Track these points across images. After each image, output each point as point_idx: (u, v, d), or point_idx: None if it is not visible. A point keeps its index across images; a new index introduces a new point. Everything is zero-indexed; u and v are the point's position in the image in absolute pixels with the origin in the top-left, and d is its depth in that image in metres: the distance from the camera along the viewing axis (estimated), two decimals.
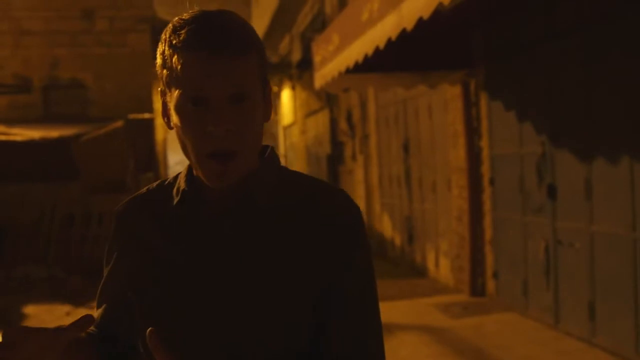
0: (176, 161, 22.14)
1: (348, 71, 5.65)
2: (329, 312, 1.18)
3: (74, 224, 11.09)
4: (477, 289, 7.29)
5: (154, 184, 1.33)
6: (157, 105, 15.44)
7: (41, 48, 14.11)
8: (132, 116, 13.30)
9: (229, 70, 1.10)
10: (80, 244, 10.87)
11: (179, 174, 1.29)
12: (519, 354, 5.41)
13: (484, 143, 7.04)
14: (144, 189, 1.33)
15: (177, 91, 1.12)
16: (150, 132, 14.51)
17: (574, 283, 5.51)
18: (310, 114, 15.86)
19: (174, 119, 1.15)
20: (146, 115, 14.16)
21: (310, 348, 1.19)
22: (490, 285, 7.11)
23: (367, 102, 10.96)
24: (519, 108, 6.30)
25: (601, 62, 4.99)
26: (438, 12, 3.81)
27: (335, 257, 1.18)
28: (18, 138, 11.61)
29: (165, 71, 1.14)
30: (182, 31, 1.10)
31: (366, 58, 4.93)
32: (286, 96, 19.00)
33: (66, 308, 8.29)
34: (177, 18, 1.13)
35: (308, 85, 13.42)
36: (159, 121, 15.79)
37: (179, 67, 1.10)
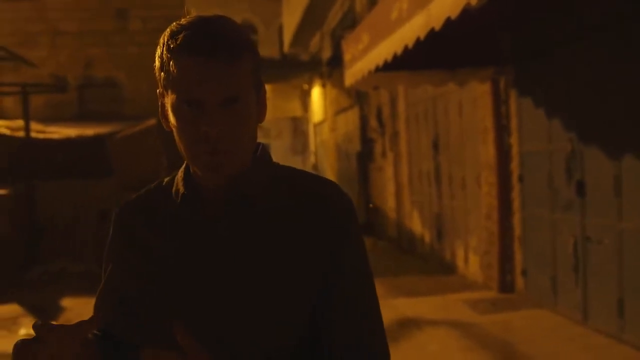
0: None
1: (377, 69, 5.73)
2: (327, 310, 1.20)
3: (108, 219, 11.32)
4: (505, 285, 7.32)
5: (152, 185, 1.35)
6: None
7: (76, 48, 14.40)
8: None
9: (223, 74, 1.14)
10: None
11: (175, 174, 1.32)
12: (546, 349, 5.45)
13: (514, 140, 7.06)
14: (143, 191, 1.35)
15: (174, 93, 1.16)
16: None
17: (602, 280, 5.53)
18: (340, 111, 15.94)
19: (171, 119, 1.19)
20: None
21: (311, 347, 1.20)
22: (519, 282, 7.13)
23: (397, 99, 11.01)
24: (547, 105, 6.32)
25: (628, 61, 5.00)
26: (466, 12, 3.87)
27: (328, 252, 1.20)
28: (55, 136, 11.90)
29: (162, 74, 1.18)
30: (179, 36, 1.14)
31: (396, 56, 5.00)
32: (316, 94, 19.10)
33: None
34: (175, 23, 1.18)
35: (338, 82, 13.51)
36: None
37: (175, 70, 1.14)
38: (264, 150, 1.31)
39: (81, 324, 1.11)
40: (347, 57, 7.07)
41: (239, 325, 1.18)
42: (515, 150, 7.05)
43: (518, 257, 7.15)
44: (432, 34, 4.31)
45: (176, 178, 1.30)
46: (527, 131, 6.78)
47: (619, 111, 5.18)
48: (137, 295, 1.26)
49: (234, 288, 1.19)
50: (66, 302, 8.53)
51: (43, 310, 7.97)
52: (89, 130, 12.00)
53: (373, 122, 12.63)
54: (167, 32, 1.17)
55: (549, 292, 6.43)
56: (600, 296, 5.59)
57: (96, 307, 1.31)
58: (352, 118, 14.70)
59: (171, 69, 1.15)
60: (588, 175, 5.68)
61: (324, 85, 17.70)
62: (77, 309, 8.09)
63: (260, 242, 1.21)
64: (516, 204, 7.11)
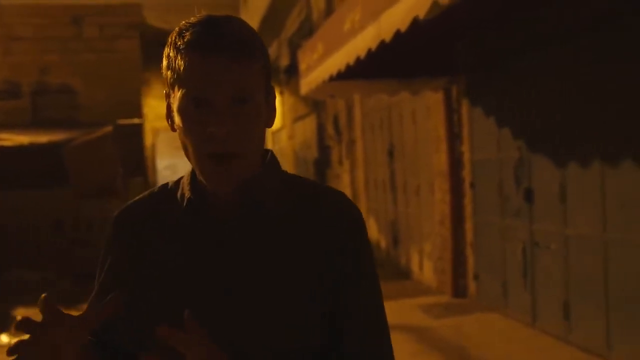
0: (165, 165, 22.23)
1: (332, 79, 5.84)
2: (337, 315, 1.19)
3: (64, 228, 11.21)
4: (459, 290, 7.48)
5: (156, 189, 1.32)
6: (146, 110, 15.58)
7: (31, 54, 14.22)
8: (121, 121, 13.43)
9: (231, 72, 1.10)
10: (70, 248, 11.00)
11: (180, 178, 1.29)
12: (497, 352, 5.60)
13: (465, 148, 7.24)
14: (146, 193, 1.32)
15: (180, 92, 1.13)
16: (139, 137, 14.64)
17: (550, 283, 5.71)
18: (298, 119, 16.04)
19: (177, 120, 1.15)
20: (135, 121, 14.29)
21: (320, 351, 1.20)
22: (472, 286, 7.30)
23: (353, 107, 11.16)
24: (497, 114, 6.50)
25: (574, 73, 5.20)
26: (418, 24, 3.99)
27: (339, 259, 1.19)
28: (7, 143, 11.71)
29: (169, 72, 1.15)
30: (187, 33, 1.12)
31: (349, 66, 5.11)
32: None
33: None
34: (183, 22, 1.15)
35: (296, 90, 13.61)
36: (148, 126, 15.92)
37: (182, 67, 1.11)
38: (274, 157, 1.28)
39: (85, 317, 1.09)
40: (302, 66, 7.17)
41: (248, 330, 1.16)
42: (467, 158, 7.23)
43: (470, 262, 7.32)
44: (386, 44, 4.43)
45: (181, 182, 1.27)
46: (478, 139, 6.97)
47: (564, 121, 5.37)
48: (135, 300, 1.22)
49: (245, 294, 1.17)
50: (19, 311, 8.42)
51: None
52: (43, 138, 11.85)
53: (330, 130, 12.75)
54: (175, 30, 1.14)
55: (500, 296, 6.61)
56: (547, 299, 5.77)
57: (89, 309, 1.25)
58: (309, 126, 14.81)
59: (178, 65, 1.12)
60: (535, 183, 5.87)
61: (281, 93, 17.77)
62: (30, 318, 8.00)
63: (269, 247, 1.19)
64: (468, 211, 7.28)
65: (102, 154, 11.87)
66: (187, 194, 1.22)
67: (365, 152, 10.91)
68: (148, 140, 16.25)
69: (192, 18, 1.15)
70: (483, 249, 7.03)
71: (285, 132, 18.12)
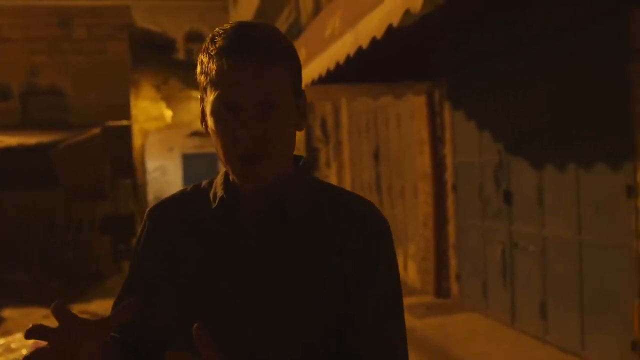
0: (154, 167, 22.23)
1: (314, 83, 5.93)
2: (356, 318, 1.21)
3: (54, 230, 11.26)
4: (441, 290, 7.59)
5: (189, 187, 1.36)
6: (135, 111, 15.63)
7: (20, 55, 14.26)
8: (110, 123, 13.48)
9: (260, 77, 1.15)
10: (61, 250, 11.05)
11: (213, 179, 1.33)
12: (476, 350, 5.71)
13: (448, 151, 7.35)
14: (178, 192, 1.36)
15: (212, 95, 1.18)
16: (128, 139, 14.68)
17: (528, 284, 5.82)
18: None
19: (209, 123, 1.20)
20: (124, 122, 14.34)
21: (336, 357, 1.21)
22: (454, 287, 7.41)
23: (340, 110, 11.26)
24: (478, 118, 6.62)
25: (551, 78, 5.32)
26: (398, 29, 4.09)
27: (360, 267, 1.21)
28: None
29: (202, 77, 1.20)
30: (219, 39, 1.17)
31: (329, 71, 5.21)
32: None
33: (44, 312, 8.47)
34: (217, 28, 1.20)
35: None
36: (138, 128, 15.96)
37: (214, 71, 1.16)
38: (307, 163, 1.32)
39: (102, 322, 1.08)
40: None
41: (266, 333, 1.19)
42: (449, 161, 7.34)
43: (453, 263, 7.43)
44: (363, 51, 4.53)
45: (215, 182, 1.31)
46: (460, 142, 7.08)
47: (541, 125, 5.48)
48: (160, 296, 1.26)
49: (265, 296, 1.20)
50: (7, 312, 8.48)
51: None
52: (32, 139, 11.89)
53: (318, 132, 12.85)
54: (209, 36, 1.20)
55: (481, 296, 6.72)
56: (525, 300, 5.89)
57: (115, 306, 1.24)
58: None
59: (210, 70, 1.17)
60: (514, 185, 5.99)
61: None
62: (18, 320, 8.05)
63: (294, 251, 1.21)
64: (450, 213, 7.39)
65: (91, 155, 11.92)
66: (220, 193, 1.26)
67: (352, 154, 11.02)
68: (137, 141, 16.29)
69: (225, 25, 1.20)
70: (465, 250, 7.14)
71: None
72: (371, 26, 3.87)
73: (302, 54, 6.30)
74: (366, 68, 6.10)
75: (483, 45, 6.31)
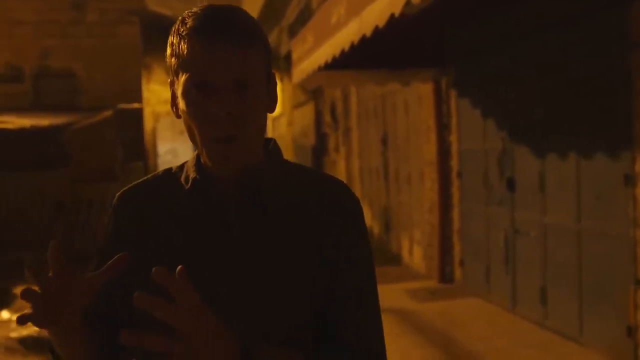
0: (166, 150, 22.38)
1: (320, 69, 6.02)
2: (332, 301, 1.22)
3: (63, 210, 11.44)
4: (445, 275, 7.70)
5: (160, 172, 1.34)
6: (147, 94, 15.77)
7: (32, 38, 14.40)
8: (121, 106, 13.61)
9: (232, 56, 1.14)
10: (70, 230, 11.23)
11: (184, 163, 1.32)
12: (476, 334, 5.82)
13: (453, 138, 7.43)
14: (150, 176, 1.34)
15: (183, 76, 1.17)
16: (139, 122, 14.82)
17: (529, 270, 5.92)
18: (297, 106, 16.21)
19: (181, 104, 1.19)
20: (135, 105, 14.47)
21: (314, 337, 1.22)
22: (458, 272, 7.51)
23: (350, 96, 11.33)
24: (483, 105, 6.69)
25: (553, 69, 5.38)
26: (399, 18, 4.16)
27: (338, 246, 1.23)
28: (9, 126, 11.93)
29: (173, 59, 1.19)
30: (190, 20, 1.16)
31: (335, 58, 5.29)
32: None
33: None
34: (186, 11, 1.19)
35: None
36: (149, 110, 16.11)
37: (185, 52, 1.16)
38: (276, 145, 1.31)
39: (94, 275, 1.10)
40: (295, 56, 7.36)
41: (249, 317, 1.18)
42: (455, 148, 7.41)
43: (457, 249, 7.53)
44: (376, 35, 4.58)
45: (186, 165, 1.30)
46: (466, 130, 7.15)
47: (544, 113, 5.55)
48: (135, 280, 1.17)
49: (245, 280, 1.20)
50: (18, 290, 8.64)
51: None
52: (44, 121, 12.06)
53: (327, 118, 12.92)
54: (179, 19, 1.19)
55: (484, 281, 6.82)
56: (526, 285, 5.98)
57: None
58: (308, 113, 14.98)
59: (181, 51, 1.16)
60: (517, 173, 6.07)
61: (281, 80, 17.91)
62: None
63: (270, 234, 1.22)
64: (455, 199, 7.48)
65: (102, 138, 12.07)
66: (192, 174, 1.25)
67: (360, 140, 11.10)
68: (149, 124, 16.44)
69: (194, 8, 1.20)
70: (469, 236, 7.23)
71: (284, 118, 18.30)
72: (374, 15, 3.95)
73: (308, 41, 6.39)
74: (374, 55, 6.18)
75: (490, 33, 6.37)
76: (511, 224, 6.21)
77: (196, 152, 1.26)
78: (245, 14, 1.21)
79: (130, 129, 13.91)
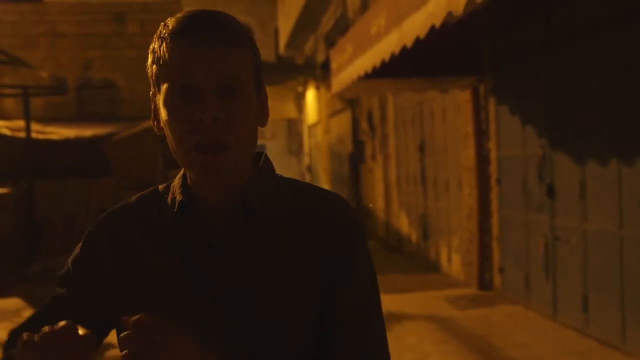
0: None
1: (360, 78, 6.10)
2: (333, 319, 1.16)
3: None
4: (484, 283, 7.70)
5: (146, 192, 1.27)
6: None
7: (74, 50, 14.78)
8: None
9: (217, 58, 1.08)
10: None
11: (170, 183, 1.25)
12: (516, 341, 5.82)
13: (492, 145, 7.44)
14: (134, 198, 1.27)
15: (165, 84, 1.10)
16: None
17: (570, 277, 5.90)
18: (333, 114, 16.31)
19: (163, 115, 1.11)
20: None
21: (315, 355, 1.16)
22: (497, 279, 7.51)
23: (386, 104, 11.39)
24: (522, 112, 6.69)
25: (593, 74, 5.38)
26: (435, 31, 4.22)
27: (336, 262, 1.16)
28: (54, 137, 12.26)
29: (154, 67, 1.12)
30: (171, 23, 1.10)
31: (375, 68, 5.37)
32: (311, 96, 19.46)
33: None
34: (169, 18, 1.13)
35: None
36: None
37: (167, 55, 1.08)
38: (267, 160, 1.24)
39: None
40: (334, 65, 7.45)
41: (235, 336, 1.13)
42: (493, 155, 7.42)
43: (496, 255, 7.53)
44: (415, 45, 4.65)
45: (172, 186, 1.23)
46: (504, 137, 7.16)
47: (584, 120, 5.55)
48: (120, 303, 1.16)
49: (231, 298, 1.14)
50: None
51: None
52: (87, 132, 12.37)
53: (364, 125, 12.99)
54: (161, 24, 1.14)
55: (523, 289, 6.81)
56: (567, 293, 5.96)
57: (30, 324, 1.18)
58: (344, 121, 15.07)
59: (163, 55, 1.10)
60: (557, 179, 6.06)
61: (318, 88, 18.05)
62: None
63: (260, 253, 1.15)
64: (494, 206, 7.48)
65: (143, 147, 12.31)
66: (179, 197, 1.17)
67: (398, 147, 11.14)
68: None
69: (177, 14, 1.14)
70: (508, 243, 7.23)
71: (321, 126, 18.41)
72: (415, 26, 4.03)
73: (348, 51, 6.48)
74: (412, 63, 6.24)
75: (527, 41, 6.39)
76: (551, 231, 6.20)
77: (182, 170, 1.20)
78: (231, 17, 1.14)
79: (167, 139, 14.18)
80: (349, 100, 13.90)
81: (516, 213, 6.95)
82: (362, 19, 6.05)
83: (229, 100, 1.09)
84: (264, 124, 1.19)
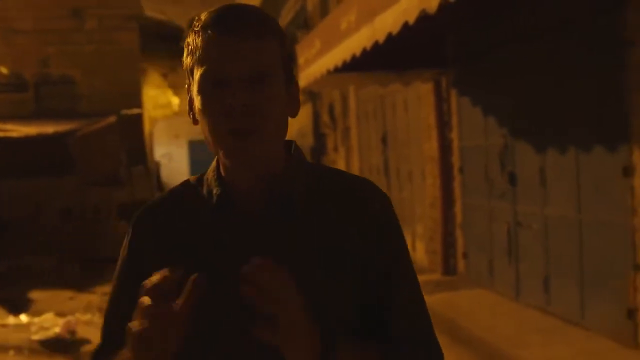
0: (161, 154, 22.61)
1: (329, 72, 6.28)
2: (382, 301, 1.20)
3: (70, 216, 11.67)
4: (449, 268, 7.98)
5: (177, 186, 1.30)
6: (144, 99, 15.98)
7: (32, 46, 14.59)
8: (123, 111, 13.83)
9: (247, 49, 1.12)
10: (78, 235, 11.46)
11: (202, 175, 1.27)
12: (483, 323, 6.10)
13: (454, 135, 7.71)
14: (166, 193, 1.30)
15: (199, 72, 1.14)
16: (139, 127, 15.05)
17: (531, 260, 6.21)
18: None
19: (196, 103, 1.16)
20: (136, 111, 14.69)
21: (367, 337, 1.19)
22: (461, 264, 7.80)
23: (348, 96, 11.60)
24: (484, 103, 6.98)
25: (552, 67, 5.67)
26: (408, 27, 4.42)
27: (377, 246, 1.20)
28: (14, 134, 12.12)
29: (188, 58, 1.17)
30: (204, 16, 1.15)
31: (345, 62, 5.56)
32: None
33: (69, 293, 8.89)
34: (202, 12, 1.18)
35: None
36: (147, 115, 16.31)
37: (199, 46, 1.13)
38: (298, 149, 1.27)
39: (183, 300, 1.03)
40: (301, 60, 7.62)
41: None
42: (455, 145, 7.70)
43: (460, 242, 7.81)
44: (385, 41, 4.83)
45: (205, 178, 1.25)
46: (466, 127, 7.44)
47: (543, 110, 5.84)
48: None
49: None
50: (35, 294, 8.87)
51: (11, 302, 8.31)
52: (49, 128, 12.26)
53: (325, 118, 13.20)
54: (195, 19, 1.18)
55: (487, 273, 7.11)
56: (529, 275, 6.27)
57: (108, 323, 1.24)
58: (305, 114, 15.23)
59: (197, 46, 1.14)
60: (518, 167, 6.35)
61: None
62: (46, 301, 8.44)
63: (302, 245, 1.18)
64: (457, 194, 7.76)
65: (106, 143, 12.30)
66: (215, 189, 1.21)
67: (360, 139, 11.37)
68: (146, 129, 16.66)
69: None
70: (471, 229, 7.52)
71: None
72: (388, 23, 4.22)
73: (316, 46, 6.66)
74: (378, 57, 6.44)
75: (489, 36, 6.66)
76: (513, 217, 6.50)
77: (214, 162, 1.24)
78: (261, 10, 1.19)
79: (132, 134, 14.15)
80: (310, 93, 14.07)
81: (479, 201, 7.23)
82: (330, 15, 6.23)
83: (258, 89, 1.13)
84: (294, 115, 1.23)
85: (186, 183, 1.29)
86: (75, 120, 12.97)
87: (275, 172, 1.20)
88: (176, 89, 17.50)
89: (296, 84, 1.24)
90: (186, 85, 1.21)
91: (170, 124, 22.65)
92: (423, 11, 3.70)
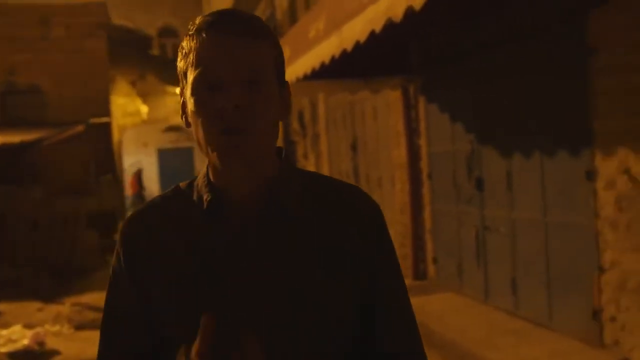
0: (130, 162, 22.46)
1: (299, 80, 6.33)
2: (368, 312, 1.21)
3: (38, 226, 11.53)
4: (419, 273, 8.06)
5: (169, 192, 1.30)
6: (113, 107, 15.87)
7: None
8: (92, 120, 13.72)
9: (239, 51, 1.13)
10: (46, 245, 11.32)
11: (192, 180, 1.27)
12: (453, 326, 6.17)
13: (422, 142, 7.81)
14: (157, 198, 1.30)
15: (192, 74, 1.15)
16: (108, 135, 14.95)
17: (499, 263, 6.31)
18: None
19: (189, 105, 1.17)
20: (104, 119, 14.58)
21: (355, 347, 1.21)
22: (431, 269, 7.89)
23: (317, 104, 11.67)
24: (451, 110, 7.08)
25: (517, 74, 5.78)
26: (375, 35, 4.49)
27: (377, 246, 1.23)
28: None
29: (183, 62, 1.18)
30: (198, 19, 1.18)
31: (314, 70, 5.61)
32: None
33: (37, 305, 8.78)
34: (197, 17, 1.20)
35: None
36: (115, 123, 16.21)
37: (194, 48, 1.15)
38: (288, 155, 1.29)
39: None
40: None
41: (276, 334, 1.15)
42: (424, 151, 7.80)
43: (429, 247, 7.90)
44: (347, 53, 4.90)
45: (195, 184, 1.26)
46: (434, 133, 7.54)
47: (509, 116, 5.95)
48: (155, 309, 1.20)
49: (267, 297, 1.16)
50: (2, 306, 8.75)
51: None
52: (15, 138, 12.12)
53: (295, 125, 13.25)
54: (189, 24, 1.20)
55: (456, 276, 7.20)
56: (498, 278, 6.37)
57: (108, 339, 1.26)
58: None
59: (190, 49, 1.16)
60: (485, 172, 6.46)
61: None
62: (14, 312, 8.34)
63: (295, 250, 1.19)
64: (426, 200, 7.85)
65: (75, 152, 12.20)
66: (206, 195, 1.21)
67: (329, 146, 11.44)
68: (115, 137, 16.55)
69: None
70: (440, 234, 7.61)
71: None
72: (355, 31, 4.29)
73: (285, 53, 6.69)
74: (346, 65, 6.51)
75: (455, 43, 6.76)
76: (481, 221, 6.60)
77: (204, 168, 1.24)
78: (253, 14, 1.22)
79: (100, 143, 14.06)
80: None
81: (447, 206, 7.33)
82: (299, 23, 6.28)
83: (250, 90, 1.14)
84: (284, 118, 1.24)
85: (176, 189, 1.29)
86: (42, 129, 12.85)
87: (270, 175, 1.21)
88: (145, 97, 17.41)
89: (288, 87, 1.26)
90: (179, 90, 1.23)
91: (139, 132, 22.54)
92: (389, 19, 3.76)
